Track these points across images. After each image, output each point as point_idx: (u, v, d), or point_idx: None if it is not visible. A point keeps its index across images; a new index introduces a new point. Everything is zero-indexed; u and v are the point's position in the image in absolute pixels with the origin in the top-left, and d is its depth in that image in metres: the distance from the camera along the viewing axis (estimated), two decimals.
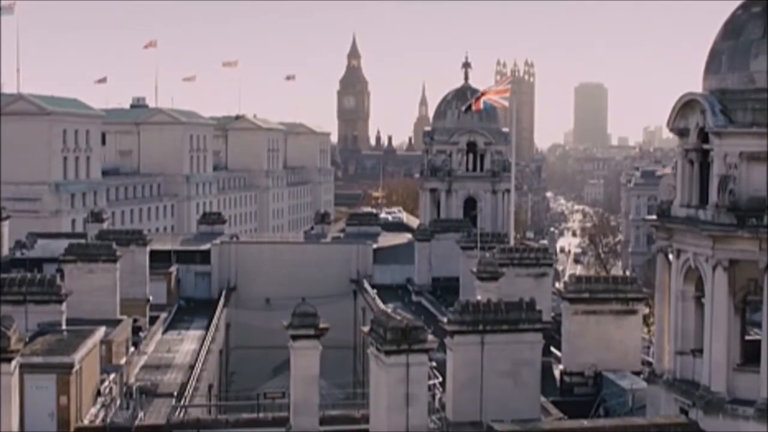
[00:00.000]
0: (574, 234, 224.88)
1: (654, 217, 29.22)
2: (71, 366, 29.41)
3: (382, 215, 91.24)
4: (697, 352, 27.59)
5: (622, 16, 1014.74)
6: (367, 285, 57.74)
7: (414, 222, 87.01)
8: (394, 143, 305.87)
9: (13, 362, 25.23)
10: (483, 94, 48.85)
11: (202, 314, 54.14)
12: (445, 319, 28.88)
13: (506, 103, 51.56)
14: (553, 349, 39.97)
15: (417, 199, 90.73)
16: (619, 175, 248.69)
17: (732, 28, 27.08)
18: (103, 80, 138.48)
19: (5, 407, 25.10)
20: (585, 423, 24.47)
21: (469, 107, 52.71)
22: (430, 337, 26.18)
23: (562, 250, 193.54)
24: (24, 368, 27.30)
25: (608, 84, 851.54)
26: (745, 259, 25.89)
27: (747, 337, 27.66)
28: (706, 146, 27.10)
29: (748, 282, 26.34)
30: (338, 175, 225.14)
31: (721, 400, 26.18)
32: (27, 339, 29.93)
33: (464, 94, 68.03)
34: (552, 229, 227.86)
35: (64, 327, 33.71)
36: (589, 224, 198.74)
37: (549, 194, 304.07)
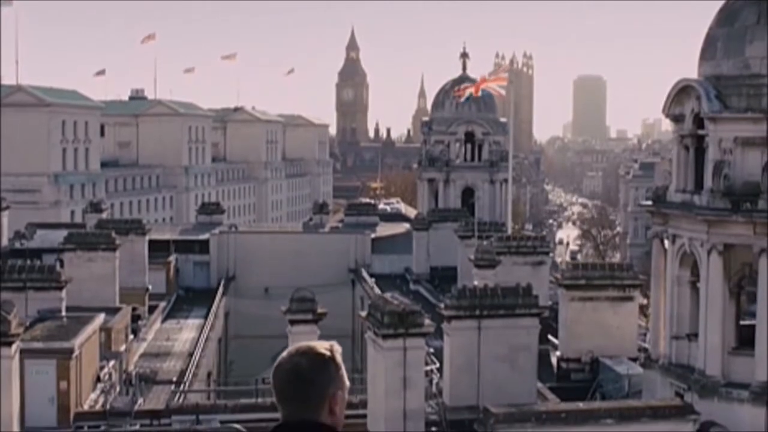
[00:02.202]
0: (573, 223, 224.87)
1: (650, 202, 29.46)
2: (71, 351, 29.58)
3: (381, 206, 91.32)
4: (693, 336, 27.86)
5: (621, 9, 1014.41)
6: (365, 274, 57.89)
7: (412, 213, 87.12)
8: (393, 135, 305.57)
9: (14, 346, 25.46)
10: (482, 81, 48.87)
11: (201, 303, 54.25)
12: (442, 305, 29.12)
13: (503, 92, 51.67)
14: (550, 337, 40.16)
15: (415, 191, 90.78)
16: (617, 167, 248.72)
17: (727, 15, 27.31)
18: (101, 73, 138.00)
19: (6, 391, 25.33)
20: (581, 405, 24.68)
21: (468, 98, 52.76)
22: (427, 321, 26.41)
23: (560, 242, 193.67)
24: (24, 353, 27.50)
25: (607, 77, 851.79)
26: (739, 244, 26.16)
27: (741, 322, 27.93)
28: (701, 132, 27.35)
29: (742, 266, 26.61)
30: (337, 167, 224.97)
31: (716, 383, 26.44)
32: (27, 325, 30.11)
33: (462, 84, 68.11)
34: (551, 221, 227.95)
35: (63, 314, 33.91)
36: (588, 216, 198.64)
37: (548, 186, 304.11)
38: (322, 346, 4.87)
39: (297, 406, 4.84)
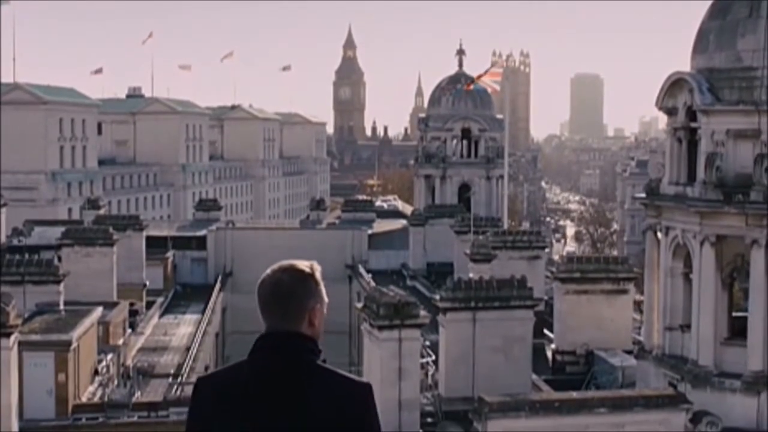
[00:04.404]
0: (572, 220, 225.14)
1: (643, 195, 29.71)
2: (69, 344, 29.81)
3: (378, 203, 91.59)
4: (686, 327, 28.10)
5: (618, 7, 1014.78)
6: (362, 270, 58.06)
7: (409, 210, 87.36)
8: (390, 134, 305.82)
9: (12, 337, 25.63)
10: (475, 79, 48.94)
11: (199, 299, 54.41)
12: (438, 297, 29.37)
13: (498, 87, 51.79)
14: (546, 331, 40.41)
15: (412, 189, 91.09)
16: (614, 165, 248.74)
17: (719, 8, 27.55)
18: (99, 71, 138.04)
19: (4, 382, 25.50)
20: (574, 395, 24.90)
21: (458, 91, 52.82)
22: (422, 312, 26.64)
23: (558, 240, 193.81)
24: (22, 346, 27.70)
25: (604, 75, 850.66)
26: (731, 235, 26.40)
27: (733, 314, 28.19)
28: (693, 124, 27.58)
29: (734, 257, 26.85)
30: (334, 165, 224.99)
31: (709, 373, 26.67)
32: (25, 318, 30.31)
33: (459, 81, 68.28)
34: (548, 219, 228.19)
35: (61, 307, 34.10)
36: (585, 215, 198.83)
37: (545, 185, 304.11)
38: (303, 264, 5.22)
39: (279, 318, 5.17)
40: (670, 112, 28.37)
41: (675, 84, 27.94)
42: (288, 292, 5.18)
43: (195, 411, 5.18)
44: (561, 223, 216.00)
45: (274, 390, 5.02)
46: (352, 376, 5.18)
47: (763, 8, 26.37)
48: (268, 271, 5.27)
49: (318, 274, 5.31)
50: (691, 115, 27.59)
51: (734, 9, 26.91)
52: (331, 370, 5.13)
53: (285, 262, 5.29)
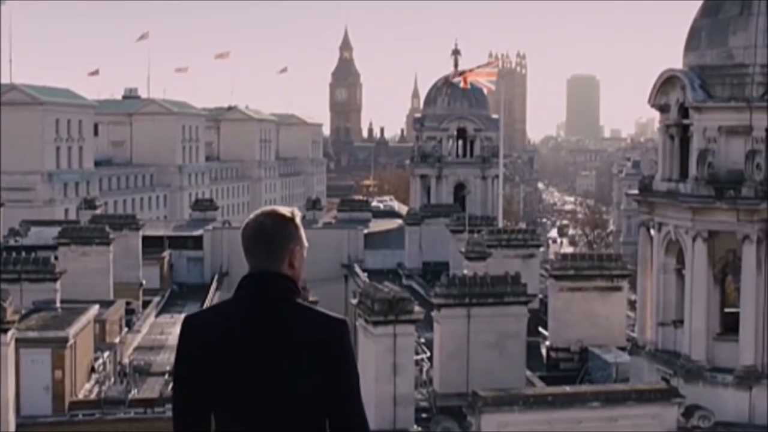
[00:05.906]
0: (568, 221, 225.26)
1: (636, 191, 29.93)
2: (66, 340, 29.95)
3: (374, 203, 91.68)
4: (678, 322, 28.31)
5: (615, 8, 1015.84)
6: (358, 269, 58.16)
7: (405, 211, 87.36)
8: (387, 135, 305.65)
9: (9, 333, 25.78)
10: (469, 72, 49.02)
11: (195, 299, 54.39)
12: (432, 293, 29.56)
13: (492, 86, 51.94)
14: (540, 329, 40.60)
15: (408, 190, 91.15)
16: (611, 166, 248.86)
17: (711, 6, 27.78)
18: (95, 73, 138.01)
19: (2, 378, 25.66)
20: (567, 389, 25.09)
21: (454, 83, 52.86)
22: (417, 308, 26.82)
23: (554, 240, 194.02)
24: (19, 343, 27.85)
25: (600, 76, 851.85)
26: (723, 231, 26.61)
27: (726, 309, 28.40)
28: (686, 121, 27.80)
29: (726, 253, 27.06)
30: (331, 166, 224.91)
31: (701, 368, 26.88)
32: (22, 315, 30.44)
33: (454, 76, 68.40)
34: (544, 219, 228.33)
35: (58, 305, 34.26)
36: (580, 216, 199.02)
37: (541, 186, 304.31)
38: (284, 209, 5.47)
39: (261, 259, 5.48)
40: (663, 109, 28.59)
41: (667, 81, 28.16)
42: (270, 234, 5.45)
43: (183, 348, 5.40)
44: (560, 223, 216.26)
45: (257, 326, 5.29)
46: (329, 312, 5.42)
47: (754, 6, 26.60)
48: (251, 215, 5.59)
49: (298, 219, 5.57)
50: (684, 112, 27.82)
51: (726, 7, 27.14)
52: (309, 307, 5.42)
53: (267, 207, 5.58)
